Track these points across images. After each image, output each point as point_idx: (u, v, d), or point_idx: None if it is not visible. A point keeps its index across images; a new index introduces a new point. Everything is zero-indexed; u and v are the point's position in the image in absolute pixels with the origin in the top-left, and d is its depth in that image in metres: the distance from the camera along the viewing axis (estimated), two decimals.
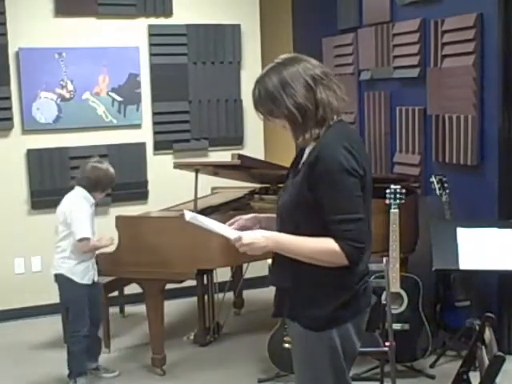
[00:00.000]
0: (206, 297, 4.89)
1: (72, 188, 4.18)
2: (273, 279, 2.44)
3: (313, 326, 2.27)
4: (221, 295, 5.07)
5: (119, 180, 5.67)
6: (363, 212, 2.21)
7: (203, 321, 4.88)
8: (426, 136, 4.88)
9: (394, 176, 5.06)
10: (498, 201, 4.32)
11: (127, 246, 4.18)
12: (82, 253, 4.07)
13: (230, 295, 5.39)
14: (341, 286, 2.26)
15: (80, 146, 5.54)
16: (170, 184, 5.62)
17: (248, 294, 5.64)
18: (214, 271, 4.82)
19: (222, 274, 5.07)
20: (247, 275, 5.39)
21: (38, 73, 5.42)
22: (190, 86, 5.87)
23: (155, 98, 5.82)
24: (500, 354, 2.41)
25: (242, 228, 2.42)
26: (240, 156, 4.36)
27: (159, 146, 5.87)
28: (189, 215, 2.36)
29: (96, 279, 4.22)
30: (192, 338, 4.87)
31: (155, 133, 5.85)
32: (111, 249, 4.20)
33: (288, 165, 2.52)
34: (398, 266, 4.06)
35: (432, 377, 4.13)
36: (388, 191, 4.16)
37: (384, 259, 3.79)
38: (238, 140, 6.06)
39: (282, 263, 2.31)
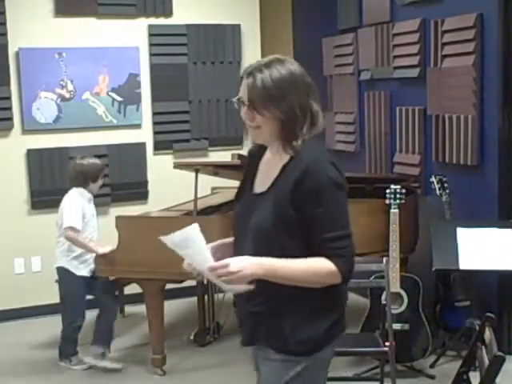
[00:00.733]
0: (205, 297, 4.89)
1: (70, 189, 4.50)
2: (242, 304, 2.17)
3: (299, 350, 2.09)
4: (221, 295, 5.06)
5: (119, 180, 5.73)
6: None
7: (203, 321, 4.88)
8: (425, 136, 4.88)
9: (394, 176, 5.05)
10: (498, 201, 4.32)
11: (127, 245, 4.18)
12: (68, 241, 4.32)
13: (229, 295, 5.36)
14: (331, 306, 2.13)
15: (80, 146, 5.54)
16: (170, 184, 5.62)
17: None
18: None
19: None
20: None
21: (38, 73, 5.42)
22: (190, 85, 5.87)
23: (155, 98, 5.82)
24: (500, 354, 2.41)
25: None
26: (240, 156, 4.36)
27: (159, 146, 5.87)
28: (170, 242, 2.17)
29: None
30: (192, 338, 4.88)
31: (155, 133, 5.85)
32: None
33: None
34: (397, 265, 4.06)
35: (432, 377, 4.13)
36: (388, 191, 4.17)
37: (384, 259, 3.78)
38: (237, 140, 6.06)
39: (256, 285, 2.04)
